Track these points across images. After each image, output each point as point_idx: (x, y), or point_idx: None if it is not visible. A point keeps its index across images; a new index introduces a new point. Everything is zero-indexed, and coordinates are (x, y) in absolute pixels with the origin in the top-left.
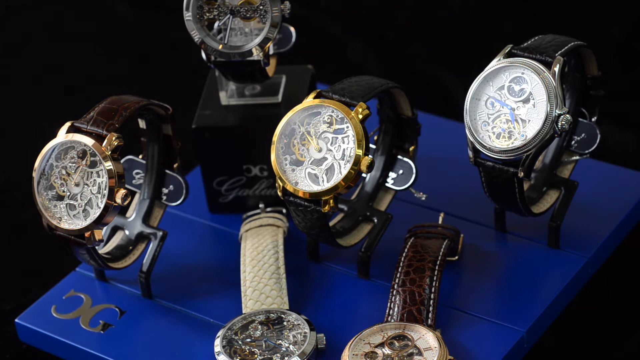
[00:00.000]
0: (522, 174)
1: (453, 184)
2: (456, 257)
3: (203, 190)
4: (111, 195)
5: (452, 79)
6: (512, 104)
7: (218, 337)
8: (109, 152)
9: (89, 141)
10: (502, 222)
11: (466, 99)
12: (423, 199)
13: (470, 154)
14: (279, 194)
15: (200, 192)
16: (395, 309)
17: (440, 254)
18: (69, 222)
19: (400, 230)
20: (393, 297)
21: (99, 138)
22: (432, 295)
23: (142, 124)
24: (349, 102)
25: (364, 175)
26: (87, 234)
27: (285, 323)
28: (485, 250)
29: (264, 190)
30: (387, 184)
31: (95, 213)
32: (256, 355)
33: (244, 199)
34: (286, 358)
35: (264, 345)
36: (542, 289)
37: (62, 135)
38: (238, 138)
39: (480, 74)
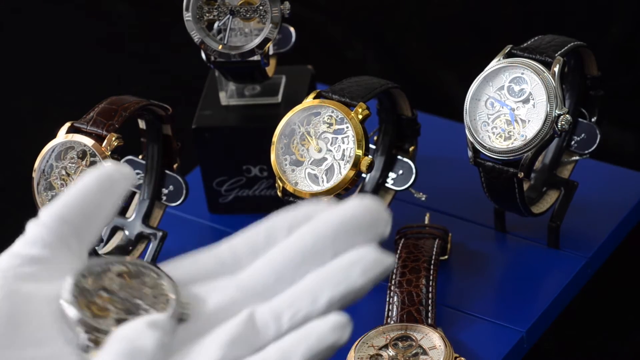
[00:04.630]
0: (522, 174)
1: (453, 185)
2: (447, 257)
3: (203, 190)
4: None
5: (452, 79)
6: (511, 104)
7: (69, 282)
8: (109, 153)
9: (88, 141)
10: (502, 222)
11: (466, 99)
12: (423, 199)
13: (470, 154)
14: (279, 194)
15: (200, 192)
16: (394, 310)
17: (434, 253)
18: None
19: None
20: (390, 299)
21: (99, 138)
22: (430, 295)
23: (141, 124)
24: (349, 103)
25: (363, 175)
26: None
27: (145, 278)
28: (485, 250)
29: (264, 190)
30: (386, 185)
31: None
32: (109, 313)
33: (244, 200)
34: None
35: (119, 302)
36: (542, 289)
37: (62, 135)
38: (238, 138)
39: (480, 74)
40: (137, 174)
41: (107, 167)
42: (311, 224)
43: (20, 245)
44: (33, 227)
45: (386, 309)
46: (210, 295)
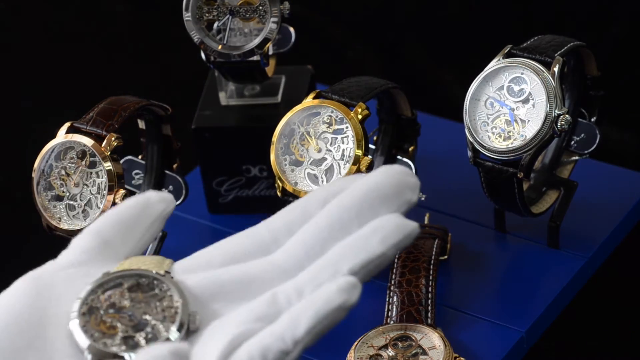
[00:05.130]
0: (522, 174)
1: (452, 185)
2: (446, 257)
3: (202, 190)
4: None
5: (452, 79)
6: (511, 104)
7: (79, 298)
8: (109, 153)
9: (88, 141)
10: (502, 222)
11: (466, 99)
12: (422, 199)
13: (470, 154)
14: (279, 194)
15: (199, 192)
16: (394, 310)
17: (433, 253)
18: (69, 222)
19: None
20: (390, 299)
21: (99, 138)
22: (429, 295)
23: (141, 124)
24: (349, 103)
25: None
26: None
27: (157, 291)
28: (484, 250)
29: (264, 190)
30: None
31: (94, 213)
32: (117, 331)
33: (244, 200)
34: (150, 344)
35: (127, 319)
36: (542, 289)
37: (62, 135)
38: (237, 138)
39: (480, 74)
40: (137, 174)
41: (148, 192)
42: (338, 197)
43: (62, 255)
44: (75, 239)
45: (386, 309)
46: (245, 273)
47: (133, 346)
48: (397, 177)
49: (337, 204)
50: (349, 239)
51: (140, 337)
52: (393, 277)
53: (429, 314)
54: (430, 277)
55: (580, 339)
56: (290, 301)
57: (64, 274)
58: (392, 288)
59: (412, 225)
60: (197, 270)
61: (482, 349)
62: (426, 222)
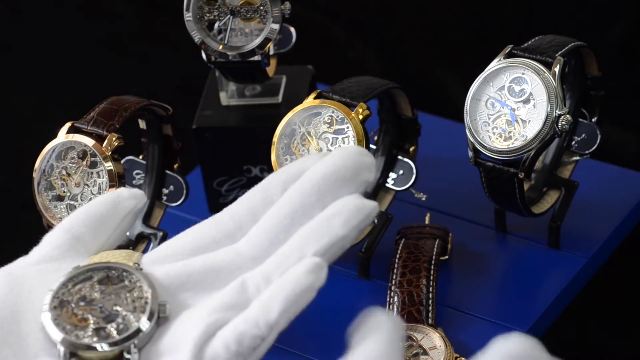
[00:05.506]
0: (523, 174)
1: (453, 185)
2: (447, 257)
3: (203, 190)
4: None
5: (453, 80)
6: (512, 105)
7: (51, 291)
8: (109, 153)
9: (89, 141)
10: (503, 222)
11: (466, 100)
12: (423, 199)
13: (471, 154)
14: None
15: (200, 192)
16: (395, 311)
17: (434, 253)
18: None
19: None
20: (391, 299)
21: (99, 138)
22: (430, 295)
23: (142, 124)
24: (350, 103)
25: None
26: None
27: (126, 282)
28: (485, 250)
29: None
30: (387, 185)
31: None
32: (89, 322)
33: None
34: (122, 334)
35: (98, 311)
36: (543, 290)
37: (63, 135)
38: (238, 138)
39: (481, 75)
40: (138, 174)
41: (120, 189)
42: (297, 182)
43: (33, 251)
44: (46, 235)
45: (386, 309)
46: (212, 262)
47: (105, 337)
48: (353, 158)
49: (298, 189)
50: (312, 223)
51: (111, 328)
52: (394, 277)
53: (430, 314)
54: (431, 277)
55: (580, 339)
56: (259, 288)
57: (36, 269)
58: (392, 288)
59: (371, 205)
60: (165, 261)
61: (482, 349)
62: (427, 222)
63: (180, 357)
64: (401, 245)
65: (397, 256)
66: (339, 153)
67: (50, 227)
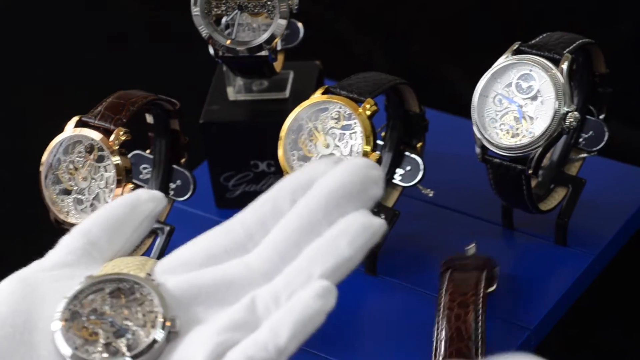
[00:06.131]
0: (530, 171)
1: (460, 181)
2: (494, 287)
3: (210, 185)
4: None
5: (460, 76)
6: (520, 101)
7: (64, 299)
8: (117, 147)
9: (96, 135)
10: (510, 219)
11: (474, 96)
12: (430, 195)
13: (478, 150)
14: None
15: (207, 187)
16: (442, 347)
17: (482, 286)
18: (77, 216)
19: (407, 226)
20: (438, 334)
21: (107, 132)
22: (479, 330)
23: (149, 118)
24: (357, 98)
25: None
26: None
27: (137, 295)
28: (492, 247)
29: (271, 186)
30: (394, 181)
31: None
32: (99, 337)
33: (251, 195)
34: (132, 350)
35: (108, 325)
36: (549, 287)
37: (70, 129)
38: (245, 133)
39: (488, 71)
40: (145, 168)
41: (139, 191)
42: (305, 197)
43: (48, 255)
44: (63, 238)
45: (433, 346)
46: (223, 276)
47: (114, 353)
48: (361, 173)
49: (305, 204)
50: (319, 242)
51: (121, 344)
52: (441, 310)
53: (480, 350)
54: (480, 311)
55: (587, 337)
56: (268, 308)
57: (49, 275)
58: (439, 322)
59: (377, 223)
60: (177, 271)
61: (489, 346)
62: (472, 252)
63: None
64: (447, 278)
65: (444, 289)
66: (346, 167)
67: (57, 221)
